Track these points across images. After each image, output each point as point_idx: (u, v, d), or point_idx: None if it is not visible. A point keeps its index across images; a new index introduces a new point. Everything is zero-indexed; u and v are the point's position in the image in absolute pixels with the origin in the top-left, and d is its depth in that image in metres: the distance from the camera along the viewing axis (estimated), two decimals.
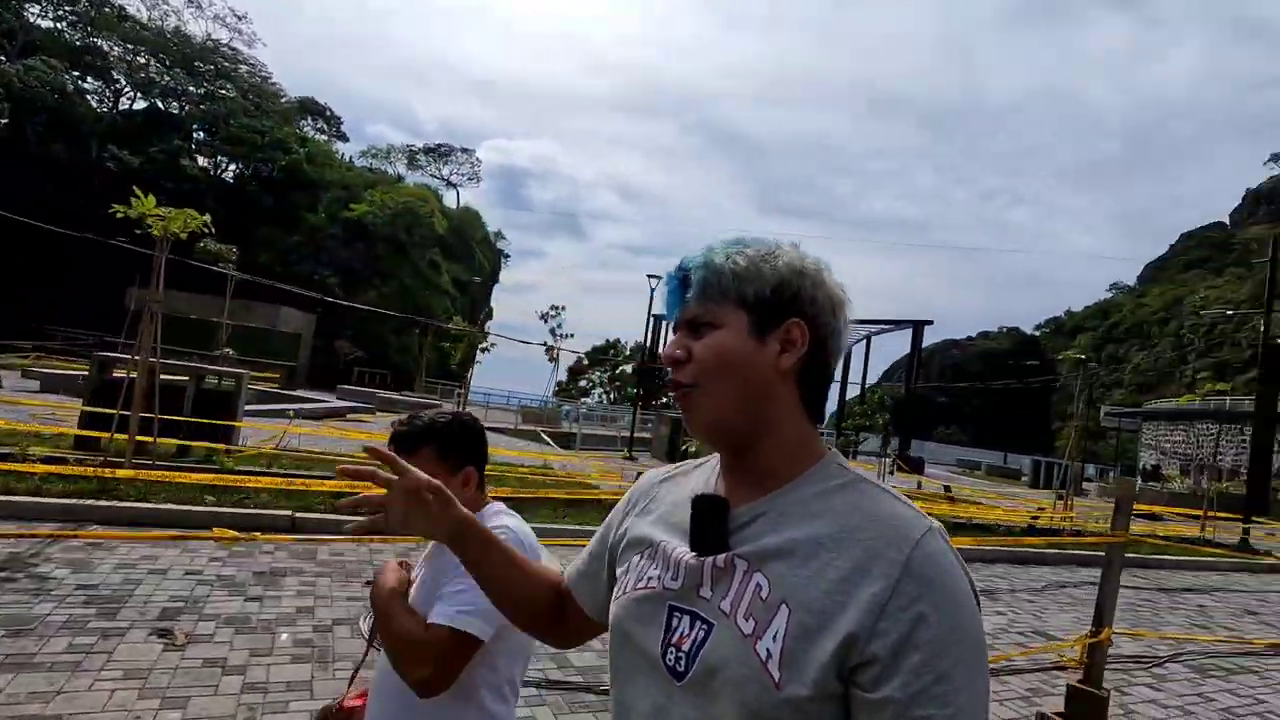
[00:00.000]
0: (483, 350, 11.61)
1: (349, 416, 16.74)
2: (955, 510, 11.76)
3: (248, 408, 9.57)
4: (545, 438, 15.67)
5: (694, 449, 9.11)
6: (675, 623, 0.77)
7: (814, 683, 0.66)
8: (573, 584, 1.02)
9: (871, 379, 33.29)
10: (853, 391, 27.26)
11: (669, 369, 0.80)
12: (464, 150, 54.38)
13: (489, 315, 43.35)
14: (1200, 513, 13.03)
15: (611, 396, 45.86)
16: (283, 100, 42.12)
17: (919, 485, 16.65)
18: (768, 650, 0.69)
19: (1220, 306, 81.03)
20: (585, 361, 43.38)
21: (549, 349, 22.58)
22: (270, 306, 28.13)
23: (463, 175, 54.60)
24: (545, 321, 23.78)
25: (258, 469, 7.39)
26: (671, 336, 0.81)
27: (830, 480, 0.77)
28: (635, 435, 17.40)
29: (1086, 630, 3.82)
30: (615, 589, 0.88)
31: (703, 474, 0.90)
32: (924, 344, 29.37)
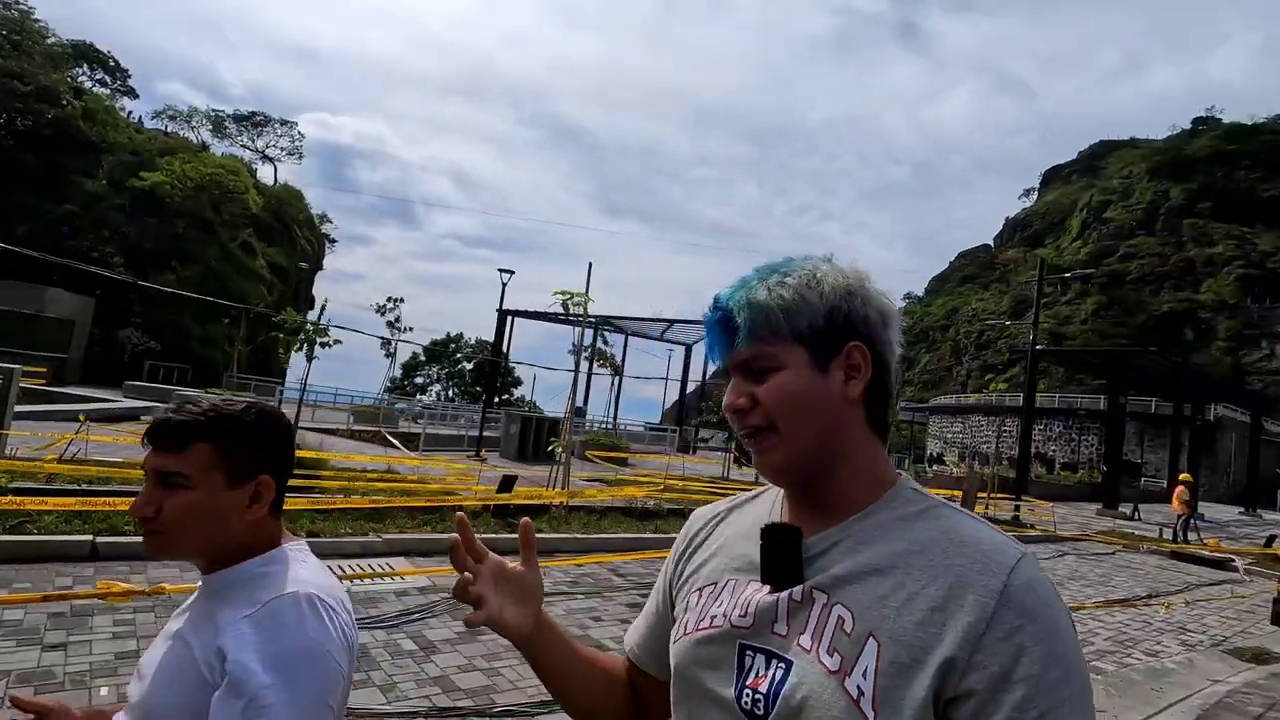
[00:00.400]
0: (323, 345, 10.46)
1: (144, 418, 14.50)
2: None
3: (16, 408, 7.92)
4: (391, 439, 14.63)
5: (559, 450, 8.96)
6: (749, 662, 0.71)
7: None
8: (638, 652, 0.92)
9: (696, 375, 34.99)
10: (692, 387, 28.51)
11: (732, 417, 0.76)
12: (283, 122, 49.27)
13: (312, 305, 39.68)
14: (985, 494, 15.24)
15: (451, 393, 44.04)
16: (50, 41, 35.39)
17: (756, 479, 17.80)
18: (859, 688, 0.64)
19: (986, 317, 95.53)
20: (423, 357, 41.24)
21: (386, 343, 21.07)
22: (34, 287, 23.58)
23: (281, 149, 49.45)
24: (382, 314, 22.11)
25: (37, 486, 6.14)
26: (730, 381, 0.77)
27: (909, 506, 0.74)
28: (483, 434, 16.83)
29: None
30: (674, 630, 0.82)
31: (764, 504, 0.85)
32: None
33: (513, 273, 16.25)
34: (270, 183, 43.80)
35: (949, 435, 52.53)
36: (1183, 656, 6.18)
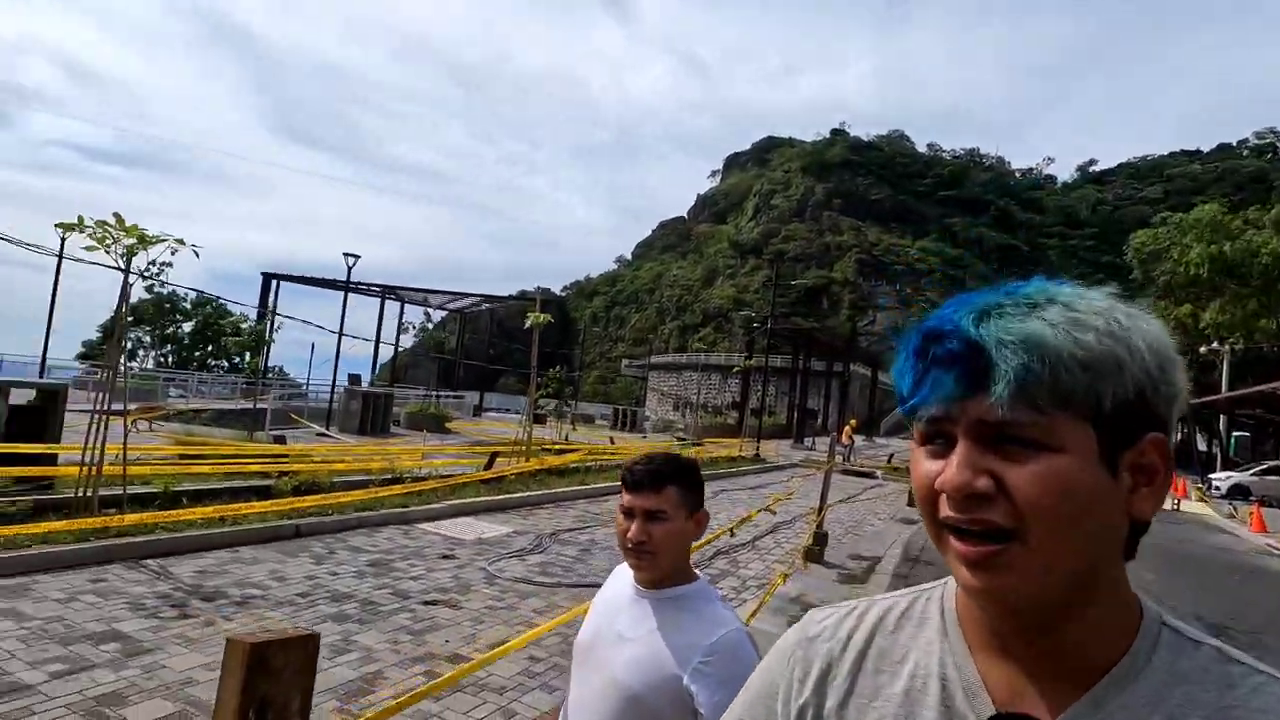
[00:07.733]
0: None
1: None
2: (607, 450, 16.57)
3: None
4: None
5: (567, 431, 11.35)
6: None
7: None
8: None
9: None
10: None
11: (954, 502, 0.50)
12: None
13: None
14: (738, 440, 21.10)
15: (167, 360, 38.58)
16: None
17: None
18: None
19: (684, 284, 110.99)
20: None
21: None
22: None
23: None
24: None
25: None
26: (958, 450, 0.50)
27: (1179, 658, 0.52)
28: (332, 409, 17.24)
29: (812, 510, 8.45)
30: None
31: (926, 632, 0.60)
32: (466, 305, 34.50)
33: (358, 257, 16.56)
34: None
35: (665, 388, 61.84)
36: (882, 525, 11.60)
